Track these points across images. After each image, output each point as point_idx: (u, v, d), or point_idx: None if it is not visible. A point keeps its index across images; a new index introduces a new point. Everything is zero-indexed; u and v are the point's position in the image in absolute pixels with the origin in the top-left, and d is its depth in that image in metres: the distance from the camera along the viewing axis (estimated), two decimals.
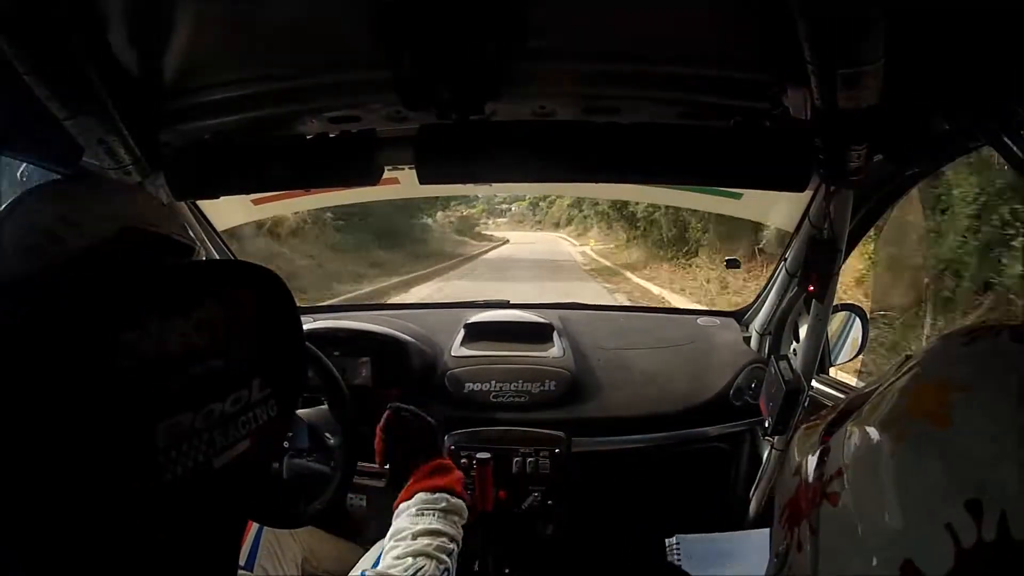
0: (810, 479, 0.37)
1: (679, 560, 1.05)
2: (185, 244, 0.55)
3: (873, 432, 0.34)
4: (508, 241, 21.08)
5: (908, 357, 0.37)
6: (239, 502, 0.49)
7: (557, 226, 25.29)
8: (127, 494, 0.39)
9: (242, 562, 1.07)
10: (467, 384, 1.47)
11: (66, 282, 0.42)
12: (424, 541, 0.77)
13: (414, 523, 0.80)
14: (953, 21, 0.67)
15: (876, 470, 0.32)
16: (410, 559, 0.74)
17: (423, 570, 0.73)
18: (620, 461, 1.53)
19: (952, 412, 0.30)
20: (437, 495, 0.85)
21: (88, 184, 0.56)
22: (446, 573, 0.76)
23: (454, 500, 0.86)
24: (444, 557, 0.76)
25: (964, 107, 0.72)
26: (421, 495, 0.85)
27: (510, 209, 27.92)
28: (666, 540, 1.05)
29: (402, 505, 0.86)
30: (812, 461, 0.38)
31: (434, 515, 0.82)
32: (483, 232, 22.67)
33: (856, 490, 0.33)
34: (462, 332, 1.61)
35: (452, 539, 0.81)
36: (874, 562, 0.30)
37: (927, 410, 0.32)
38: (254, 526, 1.09)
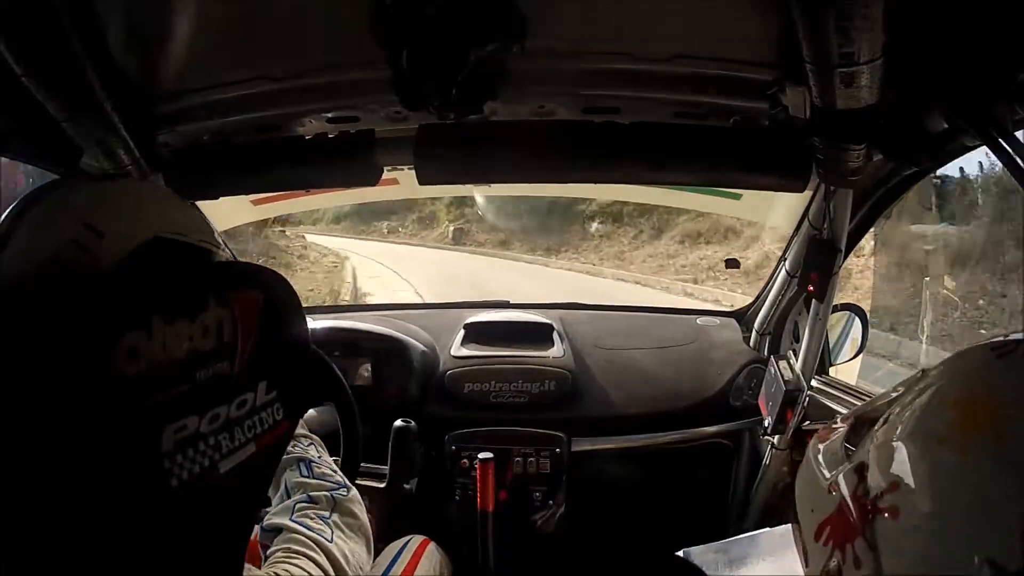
0: (849, 496, 0.39)
1: None
2: (209, 250, 0.53)
3: (924, 447, 0.36)
4: None
5: (925, 372, 0.40)
6: (245, 506, 0.49)
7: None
8: (133, 499, 0.39)
9: None
10: (467, 384, 1.47)
11: (69, 285, 0.41)
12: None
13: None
14: (951, 21, 0.67)
15: (941, 482, 0.35)
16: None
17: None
18: (620, 461, 1.53)
19: (1008, 426, 0.34)
20: None
21: (114, 187, 0.53)
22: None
23: None
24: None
25: (963, 107, 0.72)
26: None
27: None
28: (674, 555, 1.05)
29: None
30: (848, 477, 0.40)
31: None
32: None
33: (921, 502, 0.35)
34: (462, 332, 1.60)
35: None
36: (953, 565, 0.32)
37: (982, 424, 0.35)
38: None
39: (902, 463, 0.37)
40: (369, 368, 1.48)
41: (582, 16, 0.81)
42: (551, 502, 1.40)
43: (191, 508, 0.42)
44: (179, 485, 0.40)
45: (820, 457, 0.46)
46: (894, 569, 0.35)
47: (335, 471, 0.73)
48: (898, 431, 0.38)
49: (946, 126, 0.77)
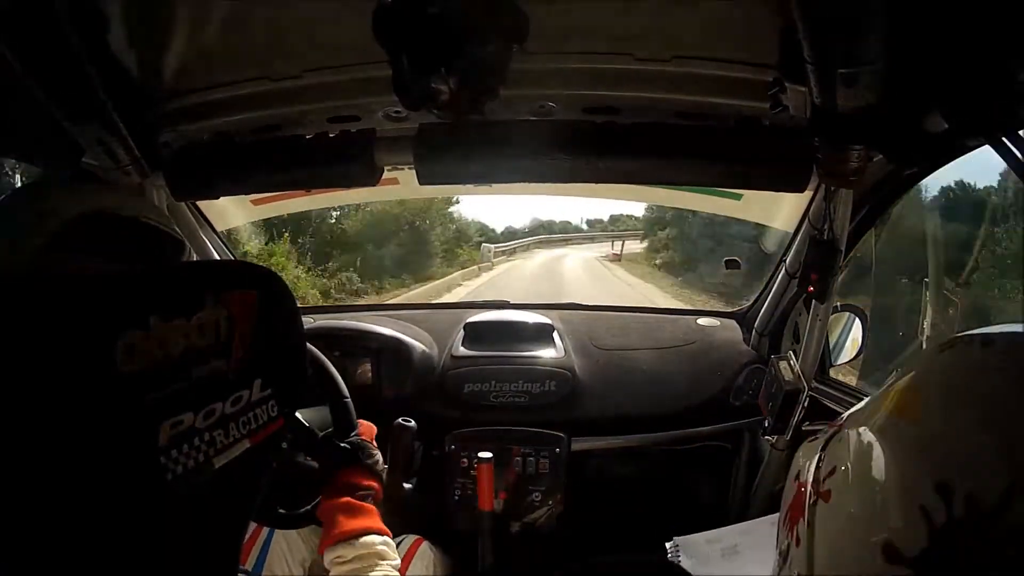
0: (808, 483, 0.42)
1: (679, 563, 1.05)
2: (156, 227, 0.60)
3: (860, 432, 0.39)
4: None
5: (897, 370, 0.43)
6: (240, 501, 0.50)
7: None
8: (129, 494, 0.39)
9: (250, 565, 1.07)
10: (467, 385, 1.47)
11: (69, 285, 0.42)
12: None
13: None
14: (952, 21, 0.67)
15: (861, 465, 0.37)
16: None
17: None
18: (620, 461, 1.53)
19: (922, 410, 0.35)
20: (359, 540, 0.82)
21: (61, 181, 0.61)
22: None
23: (376, 539, 0.83)
24: None
25: (964, 107, 0.72)
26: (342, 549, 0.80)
27: None
28: (665, 544, 1.04)
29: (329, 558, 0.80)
30: (811, 467, 0.43)
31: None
32: None
33: (844, 484, 0.37)
34: (462, 332, 1.61)
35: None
36: (860, 547, 0.34)
37: (902, 409, 0.37)
38: (264, 529, 1.09)
39: (843, 449, 0.39)
40: (369, 368, 1.48)
41: (582, 16, 0.81)
42: (551, 502, 1.40)
43: (186, 502, 0.43)
44: (174, 480, 0.41)
45: (801, 455, 0.48)
46: (820, 547, 0.38)
47: None
48: (852, 423, 0.40)
49: (946, 126, 0.77)
